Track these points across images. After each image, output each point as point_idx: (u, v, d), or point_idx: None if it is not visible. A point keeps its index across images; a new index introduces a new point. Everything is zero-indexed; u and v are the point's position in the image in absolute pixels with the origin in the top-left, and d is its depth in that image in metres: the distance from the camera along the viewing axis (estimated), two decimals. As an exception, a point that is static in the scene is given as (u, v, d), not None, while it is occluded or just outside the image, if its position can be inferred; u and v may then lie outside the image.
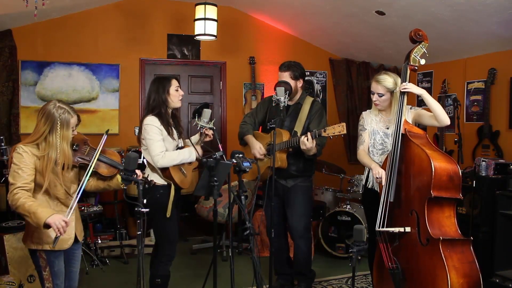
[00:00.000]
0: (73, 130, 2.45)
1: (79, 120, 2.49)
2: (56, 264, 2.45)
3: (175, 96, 3.11)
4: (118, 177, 2.54)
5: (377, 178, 2.89)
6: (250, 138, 3.65)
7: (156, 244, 3.21)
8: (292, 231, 3.62)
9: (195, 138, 3.29)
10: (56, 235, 2.22)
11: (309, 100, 3.60)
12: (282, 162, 3.47)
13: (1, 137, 4.00)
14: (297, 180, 3.59)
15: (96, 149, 2.47)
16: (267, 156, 3.52)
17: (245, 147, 3.72)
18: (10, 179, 2.29)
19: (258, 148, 3.57)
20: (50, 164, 2.35)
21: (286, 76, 3.55)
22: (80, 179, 2.60)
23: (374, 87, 3.08)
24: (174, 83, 3.12)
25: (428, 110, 2.97)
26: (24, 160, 2.31)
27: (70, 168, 2.45)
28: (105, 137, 2.43)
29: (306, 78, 5.62)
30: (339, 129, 2.95)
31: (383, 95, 3.05)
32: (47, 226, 2.20)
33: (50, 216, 2.19)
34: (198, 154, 3.12)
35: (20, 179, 2.28)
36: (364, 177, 3.34)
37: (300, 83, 3.59)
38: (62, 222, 2.19)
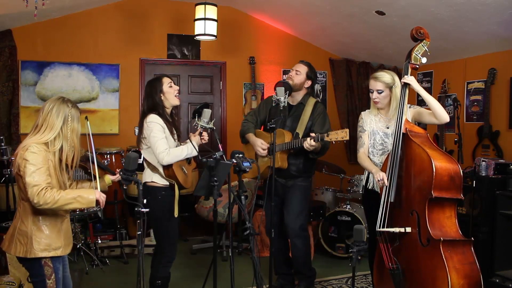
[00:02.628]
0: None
1: None
2: (60, 270, 2.43)
3: (170, 92, 3.07)
4: (106, 177, 2.54)
5: (379, 181, 2.88)
6: (251, 137, 3.64)
7: (156, 245, 3.21)
8: (288, 230, 3.60)
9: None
10: (100, 208, 2.36)
11: (311, 102, 3.59)
12: (283, 163, 3.46)
13: (1, 137, 4.00)
14: (297, 180, 3.59)
15: (88, 151, 2.50)
16: (268, 155, 3.52)
17: (246, 145, 3.73)
18: (30, 180, 2.19)
19: (259, 144, 3.53)
20: (64, 156, 2.36)
21: (302, 69, 3.57)
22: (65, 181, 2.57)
23: (373, 84, 3.07)
24: (165, 80, 3.09)
25: (428, 108, 2.98)
26: (42, 160, 2.25)
27: (78, 165, 2.45)
28: (87, 122, 2.47)
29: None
30: (342, 134, 2.95)
31: (383, 91, 3.04)
32: (96, 202, 2.31)
33: (95, 196, 2.30)
34: (196, 149, 3.10)
35: (43, 178, 2.22)
36: (364, 177, 3.33)
37: (307, 84, 3.60)
38: (104, 197, 2.34)
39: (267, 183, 3.43)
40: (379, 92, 3.05)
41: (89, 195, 2.28)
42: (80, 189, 2.36)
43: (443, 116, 2.87)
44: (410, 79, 2.84)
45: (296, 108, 3.60)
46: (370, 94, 3.12)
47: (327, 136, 3.05)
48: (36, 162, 2.22)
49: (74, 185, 2.56)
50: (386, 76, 3.04)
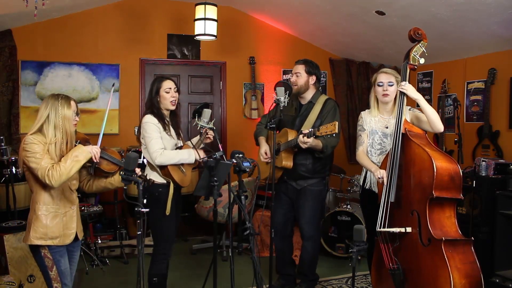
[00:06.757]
0: (74, 118, 2.48)
1: (78, 114, 2.54)
2: (62, 263, 2.47)
3: (165, 98, 3.10)
4: (118, 175, 2.55)
5: (379, 178, 2.88)
6: (261, 140, 3.72)
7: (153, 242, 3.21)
8: (302, 232, 3.66)
9: (195, 139, 3.28)
10: (94, 162, 2.46)
11: (322, 99, 3.58)
12: (287, 162, 3.46)
13: (1, 137, 3.99)
14: (308, 182, 3.56)
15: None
16: (275, 156, 3.52)
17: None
18: (36, 166, 2.32)
19: (262, 152, 3.63)
20: (58, 147, 2.41)
21: (300, 69, 3.57)
22: (81, 179, 2.64)
23: (384, 77, 3.07)
24: (166, 84, 3.11)
25: None
26: (38, 148, 2.36)
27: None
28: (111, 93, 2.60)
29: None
30: (331, 128, 2.95)
31: (393, 84, 3.06)
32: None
33: (86, 148, 2.41)
34: (199, 155, 3.10)
35: (46, 160, 2.34)
36: (361, 177, 3.33)
37: (312, 80, 3.59)
38: (96, 149, 2.45)
39: (272, 184, 3.42)
40: (390, 84, 3.06)
41: (80, 151, 2.39)
42: (69, 152, 2.41)
43: (438, 125, 2.89)
44: (406, 88, 2.83)
45: (306, 107, 3.60)
46: (378, 87, 3.10)
47: (318, 131, 3.05)
48: (33, 149, 2.34)
49: (92, 181, 2.66)
50: (394, 72, 3.11)
